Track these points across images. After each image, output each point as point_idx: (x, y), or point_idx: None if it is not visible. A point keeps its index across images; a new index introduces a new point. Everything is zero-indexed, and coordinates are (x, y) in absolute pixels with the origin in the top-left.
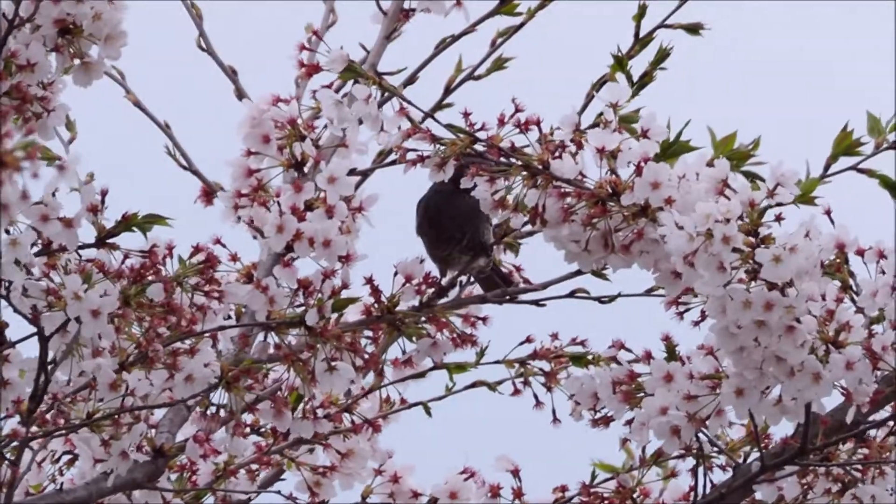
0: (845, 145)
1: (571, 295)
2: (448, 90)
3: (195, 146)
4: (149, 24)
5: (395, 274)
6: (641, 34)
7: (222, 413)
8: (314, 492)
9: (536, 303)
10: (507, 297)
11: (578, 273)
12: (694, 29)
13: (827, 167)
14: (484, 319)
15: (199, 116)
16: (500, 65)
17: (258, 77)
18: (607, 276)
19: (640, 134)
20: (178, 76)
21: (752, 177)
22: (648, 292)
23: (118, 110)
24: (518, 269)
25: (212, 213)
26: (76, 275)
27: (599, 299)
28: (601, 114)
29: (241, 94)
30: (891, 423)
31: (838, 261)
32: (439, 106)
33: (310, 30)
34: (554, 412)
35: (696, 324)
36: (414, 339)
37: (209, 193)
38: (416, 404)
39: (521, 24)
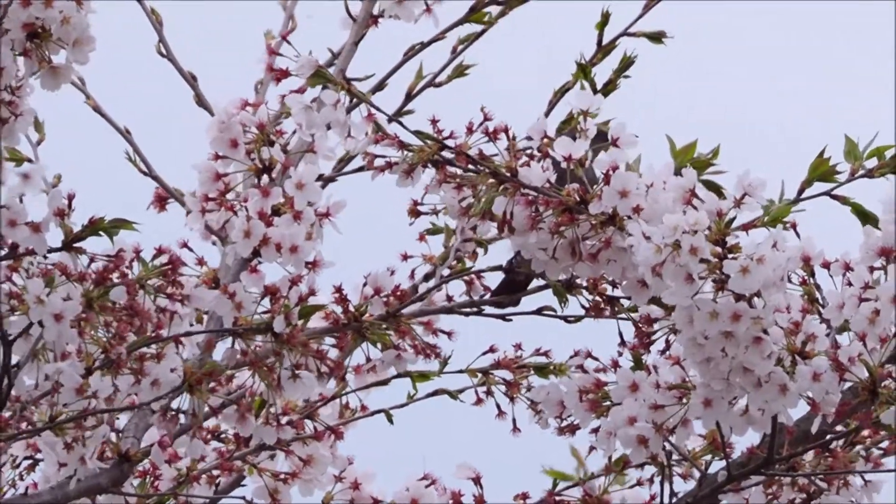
0: (821, 171)
1: (538, 312)
2: (409, 97)
3: (155, 152)
4: (108, 29)
5: (365, 284)
6: (604, 42)
7: (184, 419)
8: (274, 498)
9: (503, 317)
10: (475, 310)
11: (547, 287)
12: (657, 37)
13: (801, 191)
14: (449, 334)
15: (159, 122)
16: (461, 72)
17: (218, 83)
18: (567, 299)
19: (611, 143)
20: (138, 82)
21: (711, 186)
22: (614, 315)
23: (78, 115)
24: (479, 276)
25: (178, 219)
26: (38, 278)
27: (566, 318)
28: (568, 119)
29: (200, 100)
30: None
31: (804, 273)
32: (401, 112)
33: (270, 36)
34: (514, 422)
35: (663, 352)
36: (378, 345)
37: (163, 199)
38: (378, 412)
39: (483, 31)
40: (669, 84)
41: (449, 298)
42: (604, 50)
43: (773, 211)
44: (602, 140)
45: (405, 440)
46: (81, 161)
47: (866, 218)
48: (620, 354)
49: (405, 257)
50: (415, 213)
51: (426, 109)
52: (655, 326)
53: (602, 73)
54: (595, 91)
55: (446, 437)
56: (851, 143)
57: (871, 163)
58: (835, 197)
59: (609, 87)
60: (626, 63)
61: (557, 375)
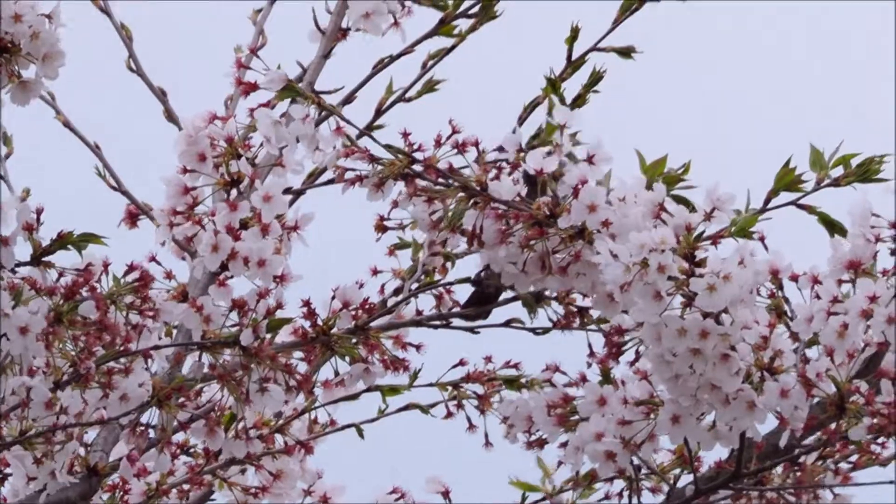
0: (787, 181)
1: (507, 324)
2: (379, 112)
3: (125, 167)
4: (78, 44)
5: (333, 298)
6: (574, 57)
7: (153, 433)
8: None
9: (471, 330)
10: (444, 323)
11: (516, 298)
12: (626, 52)
13: (767, 201)
14: (418, 347)
15: (128, 138)
16: (431, 87)
17: (189, 98)
18: (536, 311)
19: (587, 159)
20: (108, 97)
21: (682, 201)
22: (583, 326)
23: (48, 130)
24: (448, 290)
25: (146, 233)
26: (5, 292)
27: (534, 330)
28: (538, 134)
29: (170, 116)
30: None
31: (773, 285)
32: (371, 127)
33: (240, 50)
34: (486, 435)
35: (632, 363)
36: (347, 359)
37: (134, 215)
38: (348, 426)
39: (453, 47)
40: (642, 97)
41: (419, 312)
42: (573, 65)
43: (739, 221)
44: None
45: (375, 454)
46: (51, 175)
47: (833, 227)
48: (589, 366)
49: (375, 272)
50: (381, 228)
51: (397, 123)
52: (626, 337)
53: (572, 88)
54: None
55: (416, 451)
56: (817, 152)
57: (837, 171)
58: (801, 206)
59: (579, 102)
60: (596, 78)
61: (528, 388)
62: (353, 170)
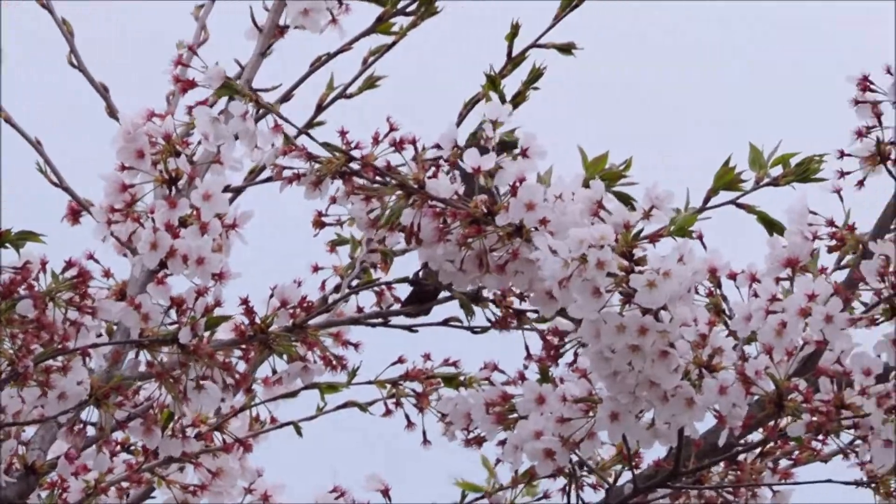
0: (726, 180)
1: (445, 323)
2: (320, 108)
3: (66, 163)
4: (19, 40)
5: (271, 296)
6: (514, 53)
7: (92, 431)
8: None
9: (409, 328)
10: (382, 321)
11: (455, 298)
12: (566, 49)
13: (706, 200)
14: (356, 345)
15: (70, 135)
16: (371, 83)
17: (129, 95)
18: (473, 312)
19: (520, 153)
20: (49, 93)
21: (623, 197)
22: (521, 327)
23: None
24: (389, 288)
25: (85, 230)
26: None
27: (472, 329)
28: (478, 131)
29: (112, 111)
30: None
31: (711, 284)
32: (311, 124)
33: (182, 46)
34: (424, 433)
35: (570, 365)
36: (285, 357)
37: (76, 212)
38: (287, 424)
39: (393, 43)
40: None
41: (359, 309)
42: (514, 62)
43: (678, 220)
44: (505, 151)
45: (315, 452)
46: None
47: (772, 226)
48: (526, 367)
49: (315, 269)
50: (319, 224)
51: (339, 120)
52: (565, 339)
53: (513, 84)
54: (504, 102)
55: (356, 449)
56: (756, 151)
57: (777, 171)
58: (740, 206)
59: (518, 99)
60: (536, 75)
61: (467, 386)
62: (291, 168)
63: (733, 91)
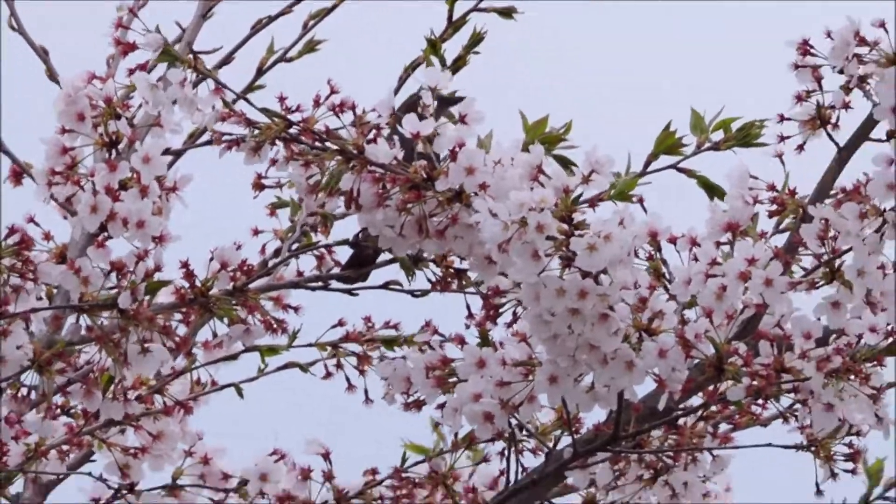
0: (667, 144)
1: (385, 286)
2: (260, 72)
3: (6, 127)
4: None
5: (211, 259)
6: (455, 17)
7: (34, 395)
8: (124, 473)
9: (349, 291)
10: (322, 284)
11: (395, 261)
12: (507, 13)
13: (647, 164)
14: (297, 308)
15: (10, 97)
16: (311, 47)
17: (70, 58)
18: (414, 273)
19: (458, 119)
20: None
21: (563, 161)
22: (461, 288)
23: None
24: (329, 251)
25: (25, 193)
26: None
27: (413, 293)
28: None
29: (52, 75)
30: (703, 410)
31: (651, 248)
32: (251, 87)
33: (122, 9)
34: (367, 393)
35: (509, 325)
36: (226, 320)
37: (18, 174)
38: (227, 386)
39: (333, 7)
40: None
41: (299, 273)
42: (454, 26)
43: (619, 184)
44: (445, 106)
45: (255, 415)
46: None
47: (713, 191)
48: (468, 327)
49: (256, 232)
50: (259, 186)
51: (279, 85)
52: (504, 298)
53: (453, 49)
54: (444, 67)
55: (296, 411)
56: (697, 115)
57: (718, 136)
58: (681, 170)
59: (459, 63)
60: (476, 39)
61: (407, 346)
62: (230, 134)
63: (679, 56)
